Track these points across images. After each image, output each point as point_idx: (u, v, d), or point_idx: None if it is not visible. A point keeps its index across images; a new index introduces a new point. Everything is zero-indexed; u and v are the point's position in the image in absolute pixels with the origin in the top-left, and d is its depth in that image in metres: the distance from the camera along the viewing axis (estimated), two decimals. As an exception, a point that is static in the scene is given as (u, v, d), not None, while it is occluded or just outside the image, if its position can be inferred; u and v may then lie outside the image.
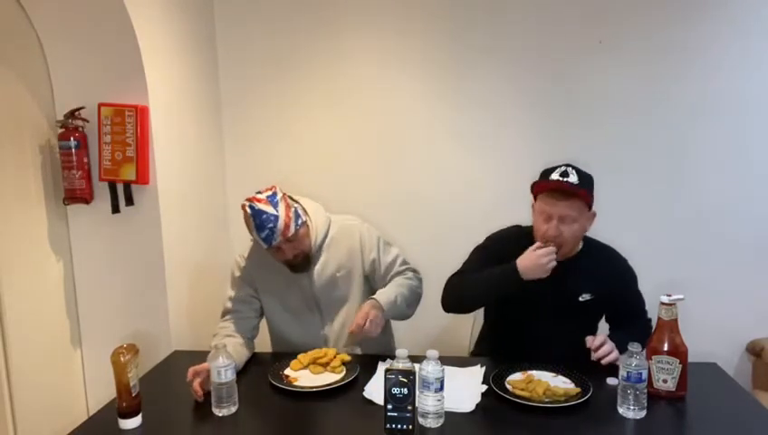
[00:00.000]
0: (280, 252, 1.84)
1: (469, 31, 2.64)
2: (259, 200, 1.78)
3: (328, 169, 2.79)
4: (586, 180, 1.78)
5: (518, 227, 1.98)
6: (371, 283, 2.02)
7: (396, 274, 2.00)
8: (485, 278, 1.82)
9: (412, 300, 1.97)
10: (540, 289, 1.82)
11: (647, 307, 1.94)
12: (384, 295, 1.87)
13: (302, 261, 1.89)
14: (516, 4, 2.60)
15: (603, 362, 1.68)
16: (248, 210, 1.77)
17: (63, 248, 2.17)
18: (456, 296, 1.91)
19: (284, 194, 1.85)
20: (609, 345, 1.70)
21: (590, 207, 1.79)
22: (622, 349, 1.68)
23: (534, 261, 1.72)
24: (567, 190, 1.73)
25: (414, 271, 2.04)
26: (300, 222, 1.83)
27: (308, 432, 1.51)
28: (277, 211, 1.76)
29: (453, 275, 1.96)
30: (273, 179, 2.73)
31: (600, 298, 1.86)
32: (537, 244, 1.75)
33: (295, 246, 1.84)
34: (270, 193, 1.80)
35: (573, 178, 1.74)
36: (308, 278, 1.93)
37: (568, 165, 1.78)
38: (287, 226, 1.77)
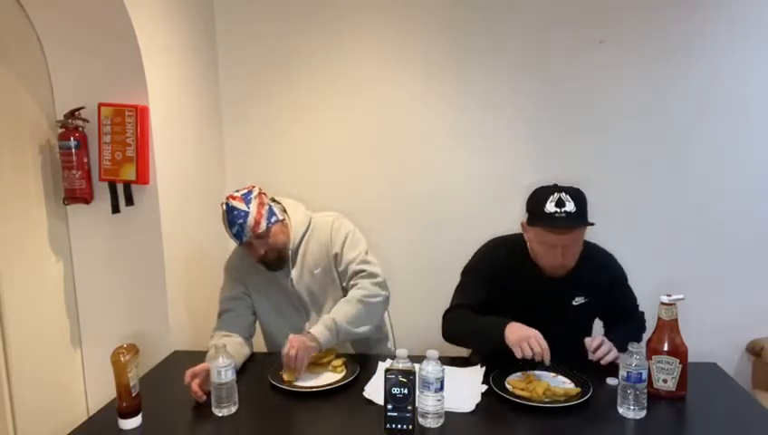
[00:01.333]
0: (252, 249, 1.85)
1: (469, 31, 2.64)
2: (234, 198, 1.82)
3: (328, 169, 2.79)
4: (581, 203, 1.71)
5: (500, 239, 1.97)
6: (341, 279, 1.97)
7: (352, 275, 1.91)
8: (476, 334, 1.81)
9: (363, 317, 1.83)
10: (534, 295, 1.83)
11: (640, 302, 1.95)
12: (321, 326, 1.77)
13: (276, 260, 1.89)
14: (516, 5, 2.60)
15: (603, 362, 1.67)
16: (223, 207, 1.82)
17: (63, 248, 2.17)
18: (454, 339, 1.90)
19: (261, 193, 1.87)
20: (608, 345, 1.69)
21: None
22: (620, 347, 1.69)
23: (522, 337, 1.65)
24: (569, 226, 1.69)
25: (371, 275, 1.89)
26: (273, 220, 1.84)
27: (308, 432, 1.51)
28: (248, 208, 1.80)
29: (448, 311, 1.93)
30: (272, 179, 2.75)
31: (593, 299, 1.87)
32: (533, 342, 1.63)
33: (267, 242, 1.84)
34: (246, 191, 1.84)
35: (570, 207, 1.67)
36: (288, 277, 1.93)
37: (559, 189, 1.71)
38: (257, 222, 1.80)
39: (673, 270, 2.61)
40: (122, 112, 2.04)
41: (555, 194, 1.70)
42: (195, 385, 1.58)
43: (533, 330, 1.67)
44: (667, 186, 2.66)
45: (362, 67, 2.70)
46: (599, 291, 1.86)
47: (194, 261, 2.44)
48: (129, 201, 2.11)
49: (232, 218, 1.79)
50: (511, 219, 1.96)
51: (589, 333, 1.95)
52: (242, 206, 1.79)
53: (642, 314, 1.95)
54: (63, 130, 2.05)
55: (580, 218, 1.70)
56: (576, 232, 1.72)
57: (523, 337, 1.65)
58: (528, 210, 1.78)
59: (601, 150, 2.65)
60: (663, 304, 1.59)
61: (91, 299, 2.23)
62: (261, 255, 1.85)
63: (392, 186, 2.77)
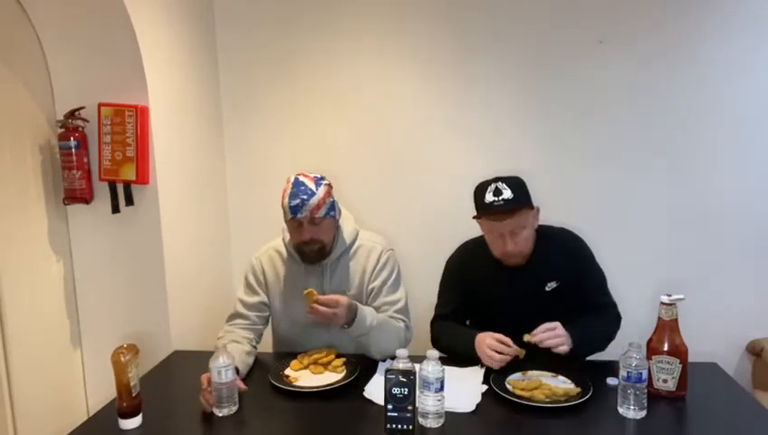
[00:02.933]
0: (299, 230, 1.82)
1: (469, 31, 2.64)
2: (306, 176, 1.84)
3: (328, 169, 2.76)
4: (518, 189, 1.79)
5: (467, 241, 2.04)
6: None
7: (390, 314, 1.90)
8: (454, 347, 1.87)
9: (385, 342, 1.81)
10: (506, 288, 1.86)
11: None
12: (364, 312, 1.78)
13: (317, 253, 1.86)
14: (516, 4, 2.60)
15: (542, 345, 1.68)
16: (291, 179, 1.82)
17: (63, 248, 2.17)
18: (443, 352, 1.90)
19: (331, 186, 1.88)
20: (550, 333, 1.69)
21: (531, 207, 1.82)
22: (580, 340, 1.72)
23: (483, 353, 1.73)
24: (508, 211, 1.76)
25: (407, 326, 1.92)
26: (332, 213, 1.85)
27: (308, 432, 1.51)
28: (316, 190, 1.80)
29: (432, 321, 2.01)
30: (273, 179, 2.75)
31: (565, 283, 1.87)
32: (500, 339, 1.72)
33: (316, 231, 1.82)
34: (319, 176, 1.86)
35: (507, 194, 1.76)
36: (320, 290, 1.87)
37: (496, 179, 1.81)
38: (319, 206, 1.79)
39: (673, 270, 2.61)
40: (122, 112, 2.04)
41: (492, 184, 1.80)
42: (207, 394, 1.55)
43: (485, 340, 1.73)
44: (667, 185, 2.65)
45: (362, 66, 2.70)
46: (569, 273, 1.87)
47: (194, 261, 2.44)
48: (129, 201, 2.11)
49: (296, 191, 1.78)
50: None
51: (571, 322, 1.93)
52: (311, 185, 1.80)
53: (616, 314, 1.91)
54: (63, 130, 2.05)
55: (516, 202, 1.76)
56: (517, 217, 1.77)
57: (481, 353, 1.74)
58: (475, 204, 1.84)
59: (602, 150, 2.65)
60: (663, 304, 1.59)
61: (91, 299, 2.22)
62: (304, 240, 1.82)
63: (392, 184, 2.76)
